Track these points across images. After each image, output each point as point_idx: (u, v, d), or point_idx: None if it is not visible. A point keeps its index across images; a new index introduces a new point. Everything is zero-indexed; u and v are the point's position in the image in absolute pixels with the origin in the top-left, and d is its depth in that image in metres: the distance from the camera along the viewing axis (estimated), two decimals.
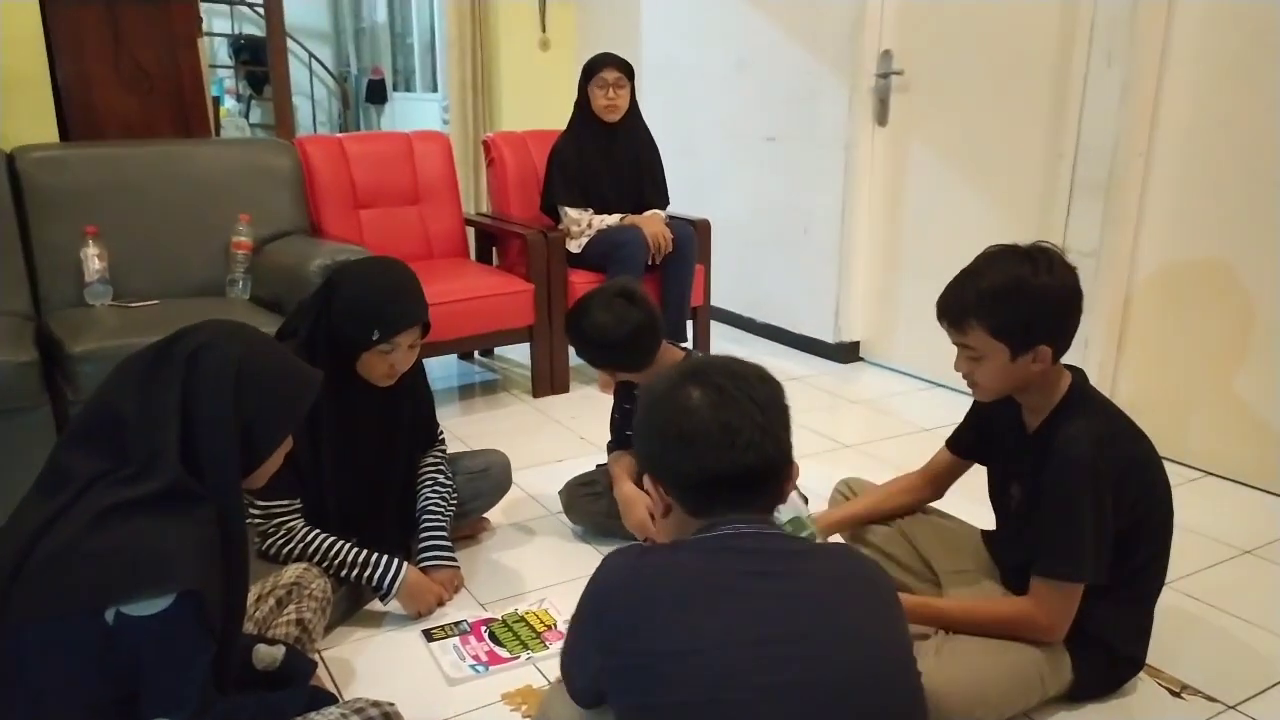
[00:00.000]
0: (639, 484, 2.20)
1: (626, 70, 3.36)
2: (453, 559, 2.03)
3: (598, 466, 2.39)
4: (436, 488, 2.07)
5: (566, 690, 1.24)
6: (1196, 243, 2.70)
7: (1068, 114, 2.90)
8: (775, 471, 1.15)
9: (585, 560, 2.21)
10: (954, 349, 1.60)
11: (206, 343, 1.27)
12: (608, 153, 3.40)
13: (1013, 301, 1.50)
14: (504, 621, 1.92)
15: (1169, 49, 2.66)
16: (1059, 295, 1.51)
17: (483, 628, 1.90)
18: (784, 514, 1.62)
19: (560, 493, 2.36)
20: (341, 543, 1.87)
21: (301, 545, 1.83)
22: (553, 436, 3.01)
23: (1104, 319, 2.86)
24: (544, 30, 4.93)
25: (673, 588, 1.08)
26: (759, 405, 1.13)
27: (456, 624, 1.91)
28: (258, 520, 1.83)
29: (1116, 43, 2.71)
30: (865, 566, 1.20)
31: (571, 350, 3.35)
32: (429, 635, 1.88)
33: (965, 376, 1.62)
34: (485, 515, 2.33)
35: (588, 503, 2.32)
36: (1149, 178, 2.76)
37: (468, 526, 2.26)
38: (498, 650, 1.83)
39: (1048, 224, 3.00)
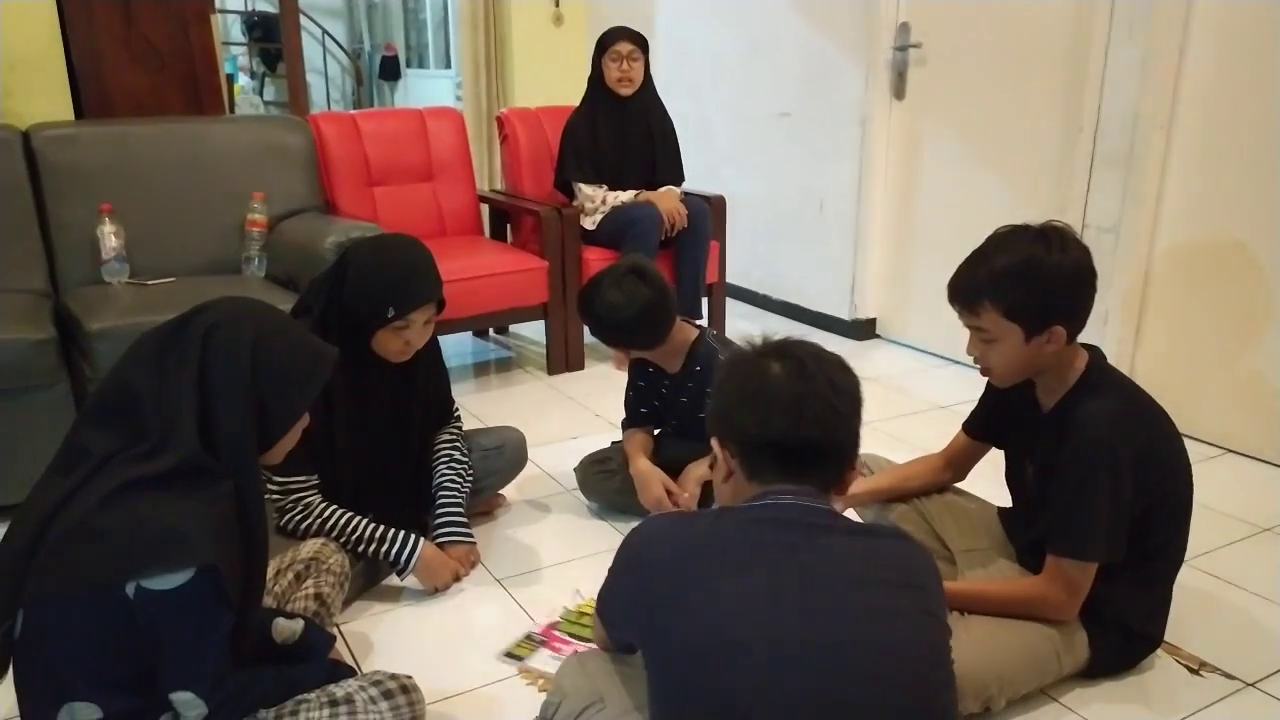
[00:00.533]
0: (655, 461, 2.21)
1: (641, 43, 3.33)
2: (469, 535, 2.04)
3: (613, 444, 2.39)
4: (453, 464, 2.08)
5: (598, 637, 1.32)
6: (1217, 218, 2.66)
7: (1088, 86, 2.85)
8: (839, 451, 1.17)
9: (600, 537, 2.22)
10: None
11: (222, 320, 1.28)
12: (622, 128, 3.37)
13: (1025, 281, 1.48)
14: (565, 620, 1.87)
15: (1191, 19, 2.61)
16: (1072, 273, 1.50)
17: (554, 631, 1.84)
18: None
19: (575, 470, 2.36)
20: (359, 518, 1.88)
21: (320, 521, 1.85)
22: (567, 414, 3.02)
23: (1123, 295, 2.83)
24: (557, 5, 4.89)
25: (707, 544, 1.12)
26: (835, 388, 1.16)
27: (528, 638, 1.81)
28: (275, 496, 1.84)
29: (1137, 13, 2.66)
30: (905, 545, 1.20)
31: (586, 328, 3.37)
32: (513, 656, 1.76)
33: (978, 361, 1.60)
34: (501, 492, 2.33)
35: (602, 480, 2.32)
36: (1170, 152, 2.72)
37: (483, 503, 2.27)
38: (584, 643, 1.75)
39: (1067, 199, 2.96)
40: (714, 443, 1.22)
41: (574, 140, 3.36)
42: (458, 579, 1.99)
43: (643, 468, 2.17)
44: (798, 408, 1.13)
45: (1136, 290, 2.85)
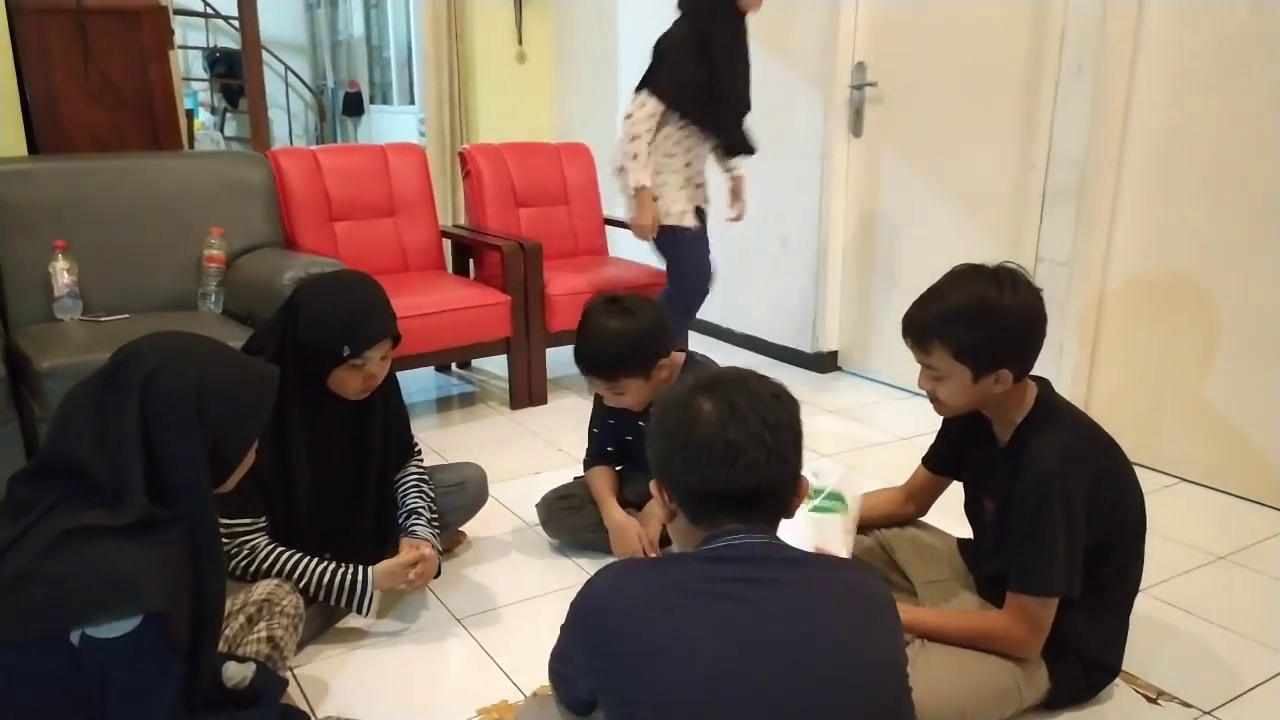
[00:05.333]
0: (621, 499, 2.20)
1: None
2: (435, 541, 2.00)
3: (576, 479, 2.38)
4: (421, 493, 2.06)
5: (556, 698, 1.25)
6: (1167, 251, 2.73)
7: (1039, 124, 2.93)
8: (778, 492, 1.15)
9: (563, 574, 2.20)
10: None
11: (158, 366, 1.23)
12: (736, 51, 3.09)
13: (975, 323, 1.51)
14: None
15: (1139, 58, 2.69)
16: (1021, 317, 1.52)
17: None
18: (825, 478, 1.73)
19: (538, 506, 2.34)
20: (306, 561, 1.82)
21: (266, 565, 1.80)
22: (530, 449, 3.00)
23: (1077, 327, 2.89)
24: (521, 43, 4.94)
25: (662, 594, 1.08)
26: (769, 426, 1.12)
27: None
28: (222, 539, 1.79)
29: (1086, 52, 2.74)
30: (862, 578, 1.19)
31: (550, 363, 3.36)
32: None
33: (928, 394, 1.62)
34: (461, 529, 2.31)
35: (566, 516, 2.30)
36: (1120, 186, 2.79)
37: (444, 541, 2.23)
38: None
39: (1021, 233, 3.03)
40: (654, 486, 1.20)
41: (682, 57, 3.00)
42: (412, 580, 1.90)
43: (619, 519, 2.16)
44: (731, 455, 1.10)
45: (1090, 322, 2.90)
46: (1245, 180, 2.52)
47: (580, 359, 2.08)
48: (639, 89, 3.05)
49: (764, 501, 1.14)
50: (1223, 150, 2.56)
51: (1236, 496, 2.63)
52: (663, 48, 3.04)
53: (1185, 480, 2.73)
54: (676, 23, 3.05)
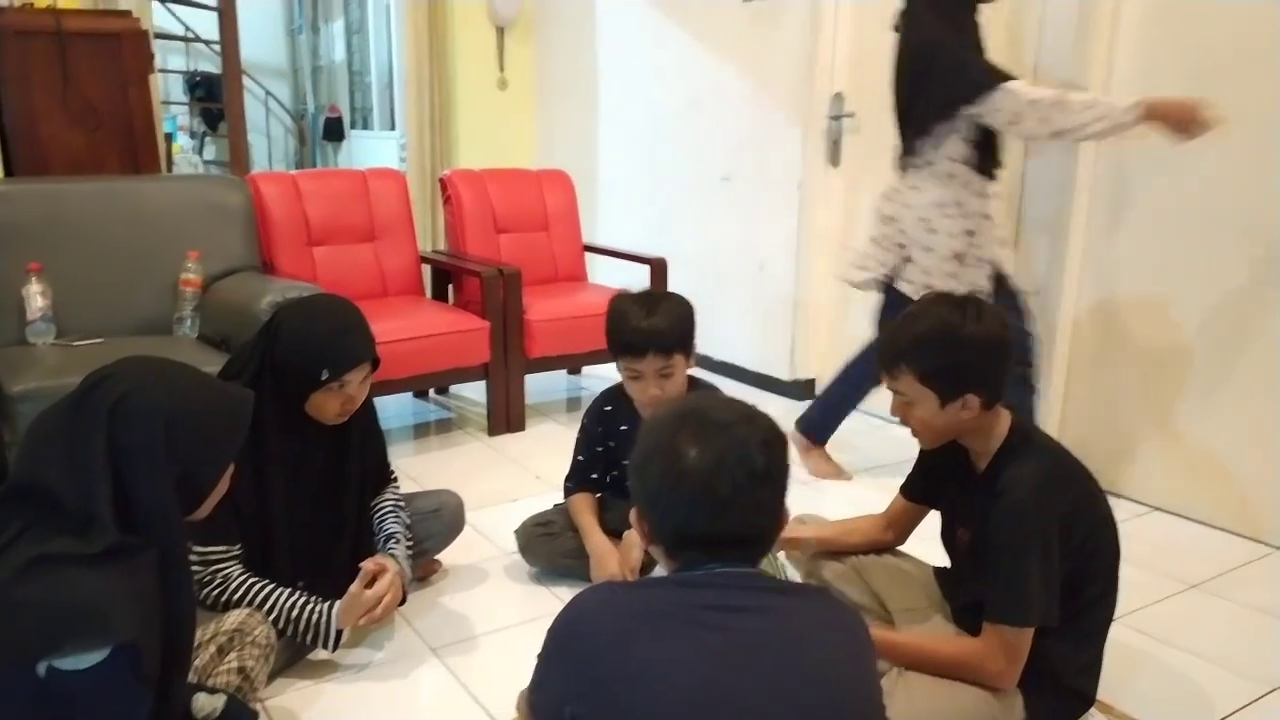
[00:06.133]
0: (605, 529, 2.19)
1: None
2: (403, 564, 1.96)
3: (555, 506, 2.37)
4: (397, 518, 2.04)
5: None
6: (1138, 282, 2.77)
7: (1013, 155, 2.97)
8: (760, 538, 1.15)
9: (541, 602, 2.18)
10: None
11: (127, 392, 1.21)
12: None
13: (940, 349, 1.54)
14: None
15: (1110, 91, 2.74)
16: (985, 345, 1.55)
17: None
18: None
19: (516, 533, 2.33)
20: (277, 592, 1.79)
21: (238, 595, 1.77)
22: (508, 475, 2.98)
23: (1049, 356, 2.92)
24: (502, 70, 4.97)
25: (642, 618, 1.08)
26: (756, 479, 1.10)
27: None
28: (195, 567, 1.77)
29: (1059, 84, 2.78)
30: (838, 609, 1.19)
31: (529, 389, 3.36)
32: None
33: (902, 422, 1.64)
34: (437, 557, 2.29)
35: (544, 543, 2.29)
36: (1093, 217, 2.84)
37: (419, 568, 2.22)
38: None
39: None
40: (634, 515, 1.19)
41: (965, 45, 2.54)
42: (375, 611, 1.84)
43: (602, 545, 2.15)
44: (719, 508, 1.09)
45: (1064, 351, 2.94)
46: (1215, 211, 2.57)
47: (643, 335, 2.01)
48: (978, 94, 2.42)
49: (745, 545, 1.14)
50: (1193, 182, 2.61)
51: (1208, 525, 2.66)
52: (933, 48, 2.51)
53: (1159, 509, 2.76)
54: (924, 25, 2.54)
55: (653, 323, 2.02)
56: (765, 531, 1.15)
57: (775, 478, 1.13)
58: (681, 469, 1.10)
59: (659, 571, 1.24)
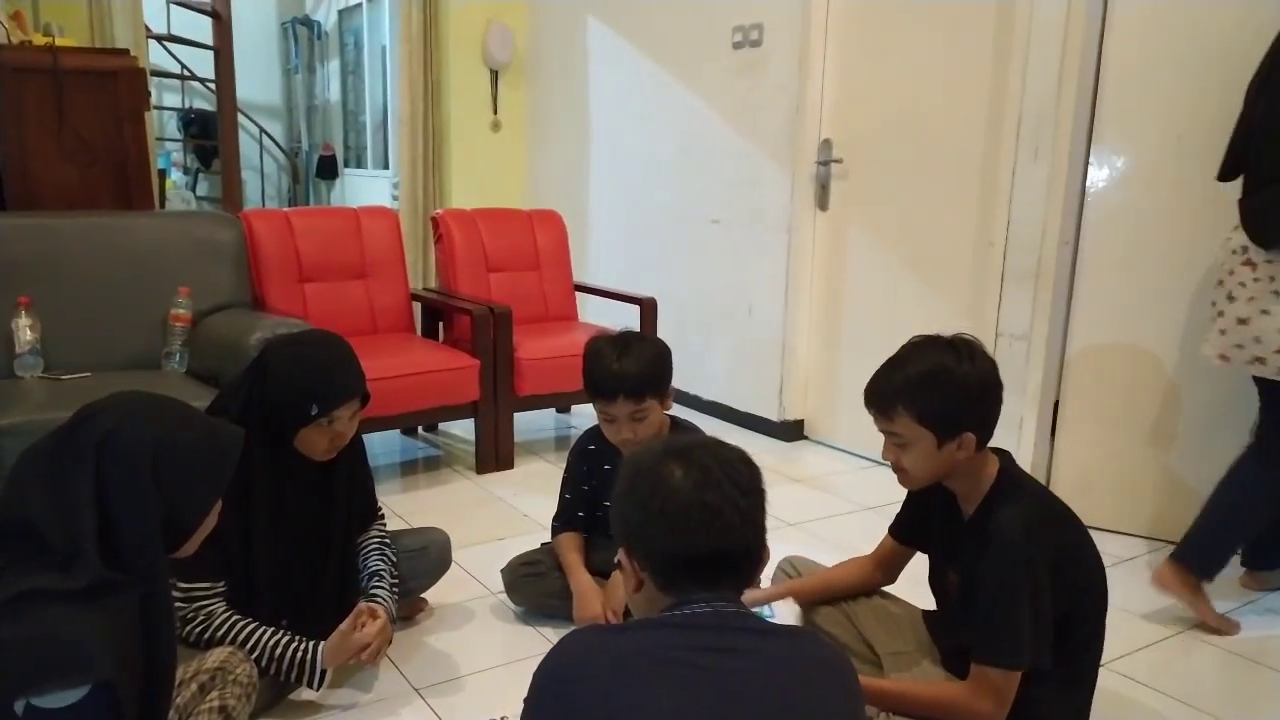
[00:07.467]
0: (591, 569, 2.18)
1: None
2: (390, 606, 1.95)
3: (542, 545, 2.36)
4: (383, 557, 2.03)
5: None
6: (1125, 325, 2.81)
7: (997, 204, 3.03)
8: (750, 555, 1.16)
9: (527, 642, 2.16)
10: None
11: (115, 427, 1.21)
12: None
13: (937, 389, 1.55)
14: None
15: (1096, 143, 2.80)
16: (980, 383, 1.56)
17: None
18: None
19: (503, 572, 2.31)
20: (261, 631, 1.78)
21: (220, 633, 1.75)
22: (496, 514, 2.97)
23: (1037, 400, 2.94)
24: (495, 112, 5.03)
25: (630, 661, 1.07)
26: (741, 489, 1.13)
27: None
28: (179, 604, 1.75)
29: (1042, 139, 2.85)
30: (828, 651, 1.19)
31: (517, 427, 3.35)
32: None
33: (893, 465, 1.65)
34: (423, 595, 2.27)
35: (530, 583, 2.27)
36: (1079, 265, 2.88)
37: (405, 607, 2.20)
38: None
39: (981, 307, 3.10)
40: (622, 554, 1.20)
41: None
42: (363, 651, 1.83)
43: (585, 585, 2.14)
44: (708, 519, 1.11)
45: (1050, 395, 2.96)
46: (1201, 255, 2.61)
47: (614, 380, 2.03)
48: None
49: (737, 565, 1.15)
50: (1175, 228, 2.66)
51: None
52: None
53: (1147, 553, 2.76)
54: None
55: (623, 366, 2.03)
56: (752, 550, 1.15)
57: (758, 491, 1.17)
58: (670, 486, 1.13)
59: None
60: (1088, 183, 2.83)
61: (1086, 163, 2.82)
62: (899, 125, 3.35)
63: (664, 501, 1.12)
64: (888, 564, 1.92)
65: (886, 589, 1.96)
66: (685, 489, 1.12)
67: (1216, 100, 2.55)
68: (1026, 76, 2.88)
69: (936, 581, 1.78)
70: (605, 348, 2.06)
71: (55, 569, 1.14)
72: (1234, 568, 2.46)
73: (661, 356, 2.09)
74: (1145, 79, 2.69)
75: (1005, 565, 1.51)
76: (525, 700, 1.15)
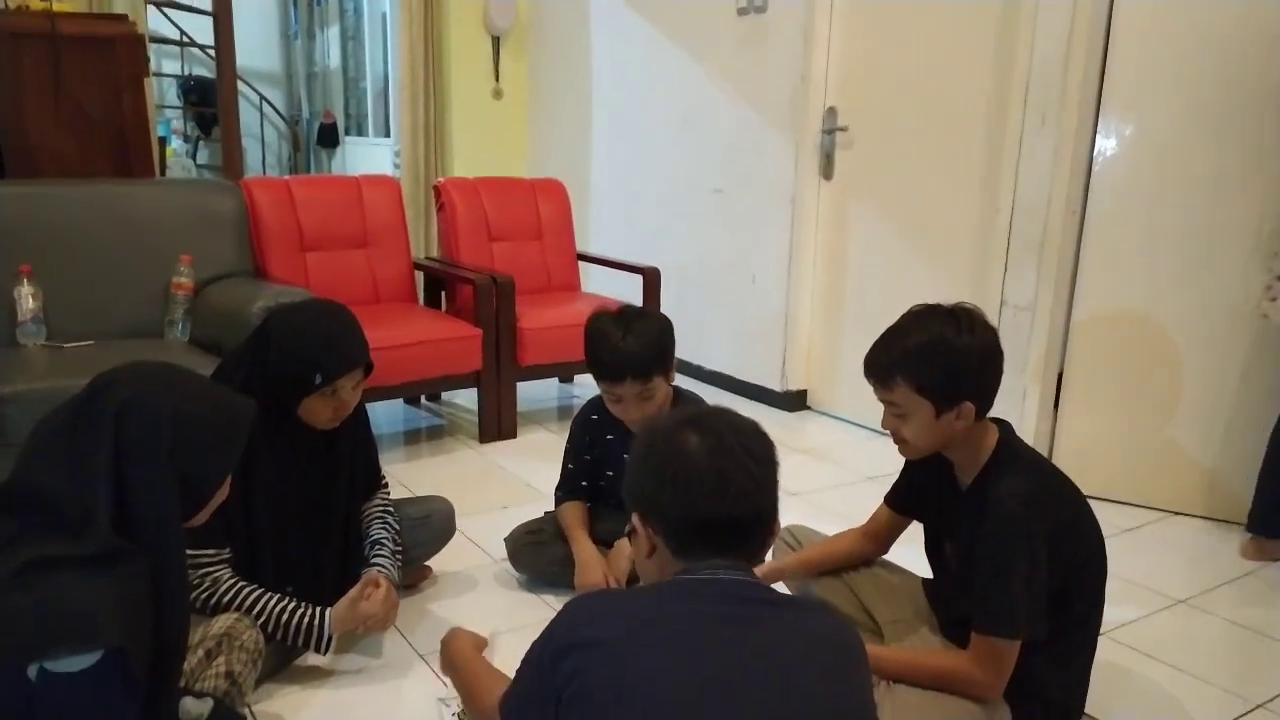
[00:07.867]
0: (594, 539, 2.19)
1: None
2: (393, 574, 1.96)
3: (545, 514, 2.37)
4: (387, 525, 2.04)
5: None
6: (1130, 295, 2.80)
7: (1003, 172, 3.00)
8: (763, 523, 1.17)
9: (530, 610, 2.18)
10: None
11: (132, 398, 1.21)
12: None
13: (936, 359, 1.54)
14: None
15: (1104, 111, 2.77)
16: (980, 353, 1.55)
17: None
18: None
19: (506, 540, 2.33)
20: (267, 597, 1.79)
21: (226, 598, 1.76)
22: (499, 483, 2.98)
23: (1041, 370, 2.94)
24: (497, 80, 4.99)
25: (636, 626, 1.08)
26: (755, 458, 1.15)
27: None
28: None
29: (1049, 106, 2.82)
30: (835, 623, 1.20)
31: (520, 397, 3.36)
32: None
33: (892, 434, 1.64)
34: (427, 564, 2.28)
35: (534, 551, 2.29)
36: (1085, 233, 2.86)
37: (409, 575, 2.21)
38: None
39: (986, 277, 3.08)
40: (635, 519, 1.20)
41: None
42: (371, 619, 1.84)
43: (588, 553, 2.15)
44: (722, 485, 1.12)
45: (1054, 365, 2.96)
46: (1209, 224, 2.60)
47: (622, 360, 2.01)
48: None
49: (750, 532, 1.16)
50: (1187, 197, 2.65)
51: (1208, 519, 2.71)
52: None
53: (1147, 524, 2.77)
54: None
55: (628, 346, 2.01)
56: (765, 517, 1.16)
57: (770, 460, 1.18)
58: (685, 452, 1.14)
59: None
60: (1095, 151, 2.80)
61: (1095, 131, 2.79)
62: (905, 92, 3.32)
63: (679, 467, 1.14)
64: (881, 534, 1.92)
65: (885, 558, 1.97)
66: (700, 455, 1.14)
67: (1229, 67, 2.52)
68: (1035, 43, 2.84)
69: (933, 552, 1.79)
70: (608, 327, 2.05)
71: (67, 537, 1.14)
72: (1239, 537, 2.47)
73: (665, 332, 2.08)
74: (1155, 46, 2.66)
75: (1003, 535, 1.51)
76: (526, 661, 1.15)
